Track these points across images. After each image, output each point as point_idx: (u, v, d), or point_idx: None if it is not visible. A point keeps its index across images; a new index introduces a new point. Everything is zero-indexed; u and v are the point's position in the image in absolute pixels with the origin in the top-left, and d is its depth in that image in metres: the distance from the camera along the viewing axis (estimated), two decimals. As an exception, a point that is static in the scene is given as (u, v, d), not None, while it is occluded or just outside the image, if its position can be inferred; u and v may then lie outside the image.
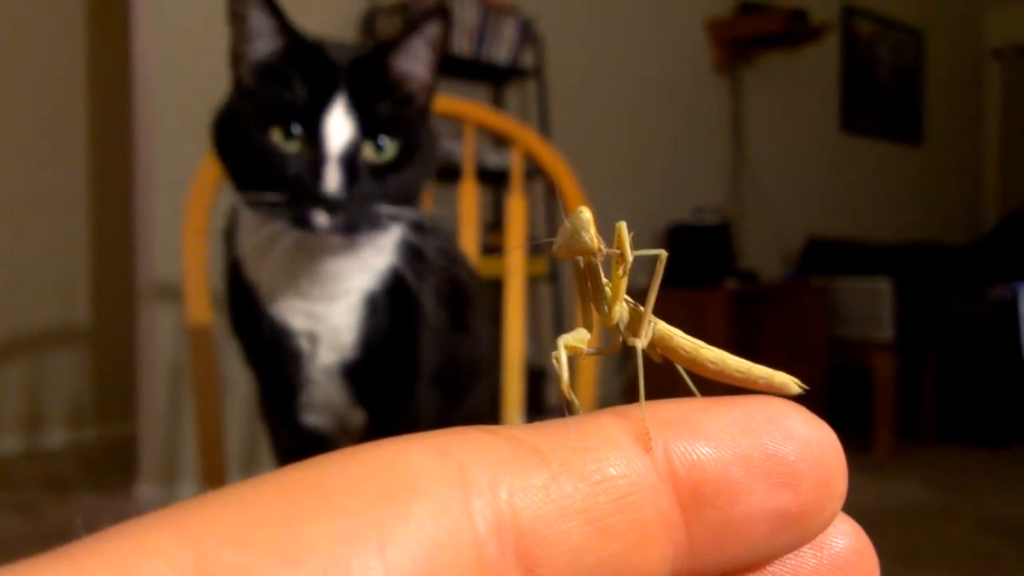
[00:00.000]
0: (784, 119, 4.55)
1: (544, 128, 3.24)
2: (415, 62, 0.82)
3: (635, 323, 0.19)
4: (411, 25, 0.82)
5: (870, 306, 3.51)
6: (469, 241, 1.17)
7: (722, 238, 3.80)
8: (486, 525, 0.13)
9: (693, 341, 0.19)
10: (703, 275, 3.59)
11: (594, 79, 3.67)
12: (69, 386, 3.41)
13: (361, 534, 0.12)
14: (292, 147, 0.77)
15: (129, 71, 2.60)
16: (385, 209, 0.79)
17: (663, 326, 0.19)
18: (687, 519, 0.14)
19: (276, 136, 0.76)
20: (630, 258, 0.19)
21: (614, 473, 0.14)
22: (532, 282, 3.33)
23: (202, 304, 1.06)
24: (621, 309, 0.19)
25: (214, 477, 1.01)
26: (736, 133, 4.28)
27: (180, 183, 1.62)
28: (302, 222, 0.76)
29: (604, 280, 0.20)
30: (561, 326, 3.25)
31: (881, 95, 5.18)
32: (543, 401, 3.22)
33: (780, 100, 4.51)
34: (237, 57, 0.81)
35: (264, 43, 0.79)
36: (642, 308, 0.19)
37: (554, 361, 0.18)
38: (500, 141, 2.88)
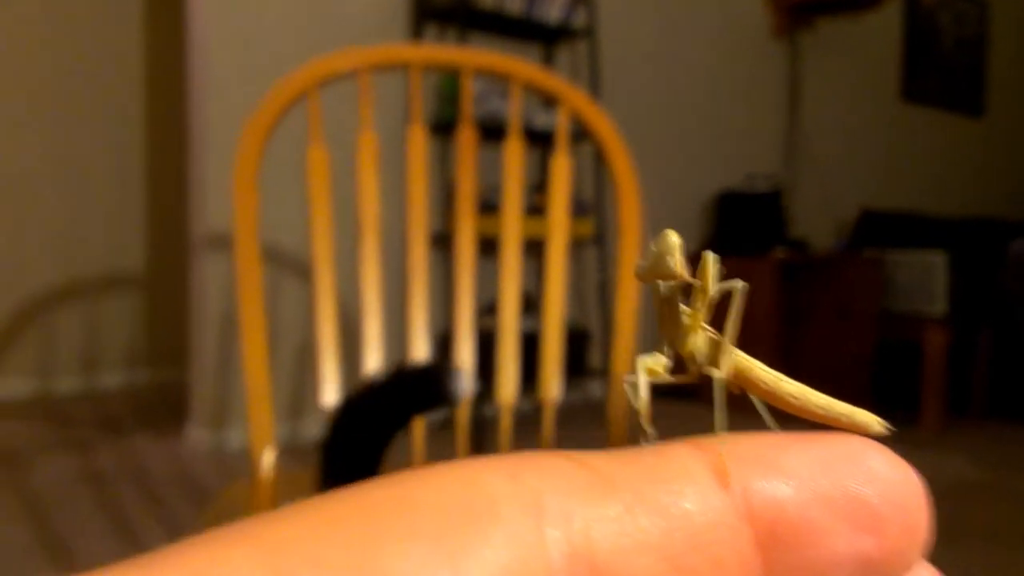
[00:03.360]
0: (842, 86, 4.46)
1: (594, 90, 3.22)
2: None
3: (713, 353, 0.19)
4: None
5: (923, 280, 3.46)
6: (512, 201, 1.19)
7: (773, 206, 3.75)
8: (560, 555, 0.12)
9: (773, 374, 0.19)
10: (752, 243, 3.56)
11: (647, 41, 3.63)
12: (124, 331, 3.51)
13: (437, 560, 0.12)
14: None
15: (184, 24, 2.63)
16: None
17: (743, 357, 0.19)
18: (764, 560, 0.13)
19: None
20: (712, 291, 0.18)
21: (690, 509, 0.13)
22: (578, 245, 3.33)
23: (251, 253, 1.09)
24: (698, 339, 0.19)
25: (261, 427, 1.04)
26: (792, 99, 4.21)
27: (232, 134, 1.65)
28: None
29: (683, 308, 0.19)
30: (606, 289, 3.25)
31: (943, 65, 5.05)
32: (585, 364, 3.23)
33: (839, 67, 4.42)
34: None
35: None
36: (721, 338, 0.19)
37: (626, 385, 0.18)
38: (550, 102, 2.87)
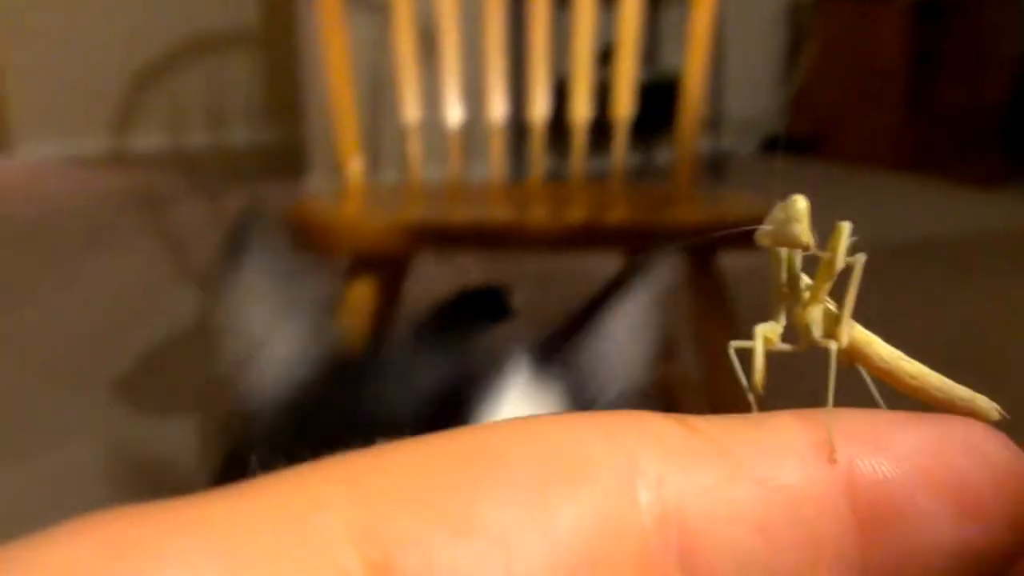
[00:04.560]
0: None
1: None
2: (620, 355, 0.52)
3: (830, 324, 0.18)
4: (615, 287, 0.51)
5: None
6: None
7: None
8: (652, 518, 0.12)
9: (892, 351, 0.18)
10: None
11: None
12: (247, 87, 3.65)
13: (531, 515, 0.12)
14: None
15: None
16: None
17: (860, 331, 0.18)
18: (863, 541, 0.13)
19: None
20: (840, 264, 0.17)
21: (790, 482, 0.13)
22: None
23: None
24: (816, 310, 0.18)
25: (346, 138, 1.11)
26: None
27: None
28: None
29: (804, 277, 0.18)
30: (718, 41, 3.10)
31: None
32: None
33: None
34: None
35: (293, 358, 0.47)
36: (841, 310, 0.18)
37: (731, 351, 0.18)
38: None
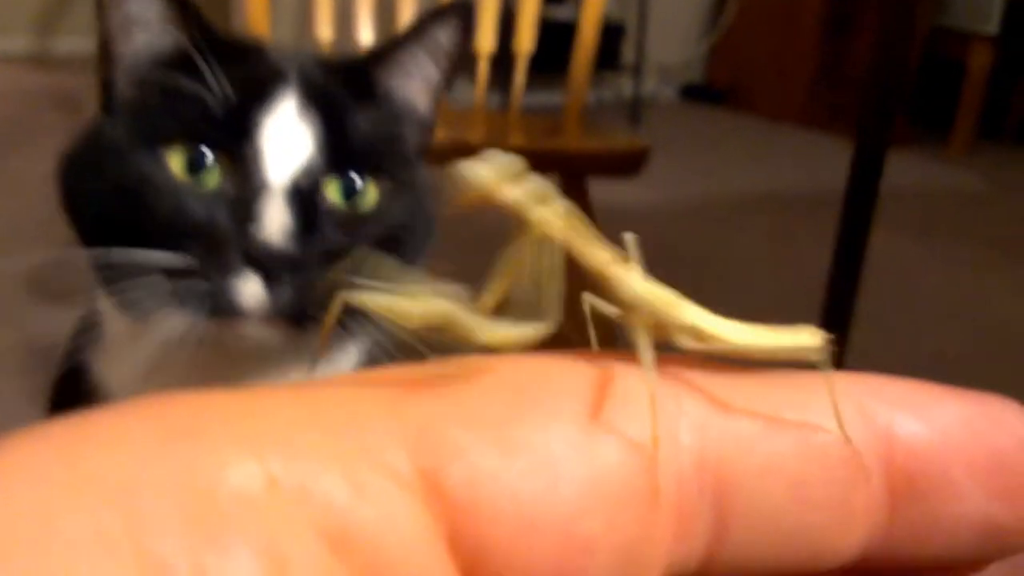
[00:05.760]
0: None
1: None
2: (411, 84, 0.57)
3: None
4: (414, 30, 0.57)
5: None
6: None
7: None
8: (691, 461, 0.12)
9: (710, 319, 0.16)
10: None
11: None
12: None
13: (575, 443, 0.12)
14: (203, 184, 0.50)
15: None
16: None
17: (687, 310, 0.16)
18: (892, 507, 0.13)
19: (174, 165, 0.50)
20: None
21: (829, 440, 0.13)
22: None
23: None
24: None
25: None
26: None
27: None
28: (218, 302, 0.48)
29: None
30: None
31: None
32: (619, 59, 3.26)
33: None
34: (109, 61, 0.56)
35: (153, 37, 0.53)
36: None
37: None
38: None
